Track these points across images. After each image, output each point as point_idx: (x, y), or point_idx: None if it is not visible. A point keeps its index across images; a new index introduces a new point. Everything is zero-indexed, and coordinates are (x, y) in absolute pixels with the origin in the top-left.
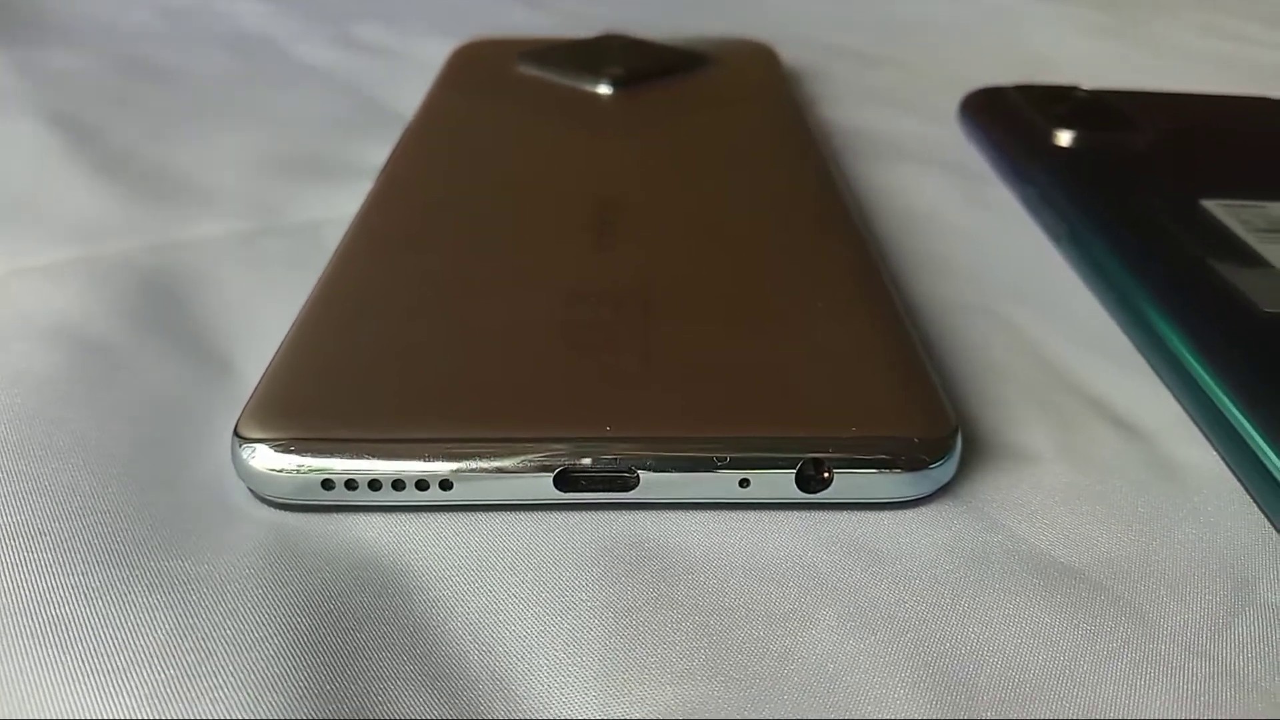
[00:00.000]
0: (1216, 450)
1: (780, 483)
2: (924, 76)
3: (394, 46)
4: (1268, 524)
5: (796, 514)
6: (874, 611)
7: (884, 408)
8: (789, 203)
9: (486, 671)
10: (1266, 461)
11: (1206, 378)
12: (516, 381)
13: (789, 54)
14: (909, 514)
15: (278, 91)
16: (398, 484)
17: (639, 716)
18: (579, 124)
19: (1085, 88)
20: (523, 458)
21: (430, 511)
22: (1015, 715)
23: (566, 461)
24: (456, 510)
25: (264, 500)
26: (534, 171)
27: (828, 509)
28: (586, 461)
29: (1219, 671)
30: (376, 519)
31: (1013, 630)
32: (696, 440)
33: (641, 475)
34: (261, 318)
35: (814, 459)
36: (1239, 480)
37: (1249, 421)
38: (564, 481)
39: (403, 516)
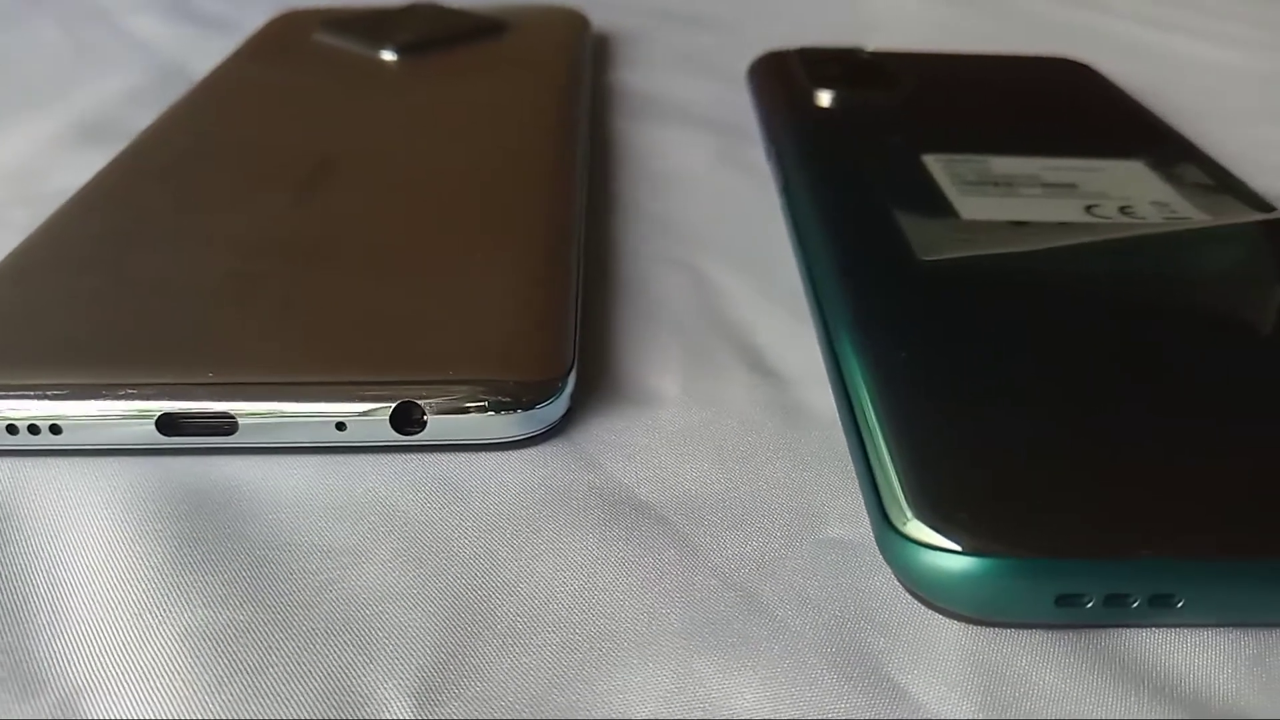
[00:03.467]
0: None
1: (376, 426)
2: (747, 40)
3: (230, 18)
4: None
5: (398, 456)
6: (432, 546)
7: (487, 352)
8: (505, 164)
9: (47, 606)
10: (855, 398)
11: (827, 318)
12: (139, 330)
13: (617, 19)
14: (511, 454)
15: (91, 67)
16: (11, 429)
17: (165, 636)
18: (346, 90)
19: (870, 50)
20: (125, 402)
21: (51, 456)
22: (524, 640)
23: (167, 406)
24: (75, 455)
25: None
26: (275, 135)
27: (430, 450)
28: (186, 406)
29: (744, 602)
30: (4, 464)
31: (555, 562)
32: (292, 385)
33: (240, 420)
34: None
35: (409, 402)
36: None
37: (852, 359)
38: (167, 426)
39: (26, 461)
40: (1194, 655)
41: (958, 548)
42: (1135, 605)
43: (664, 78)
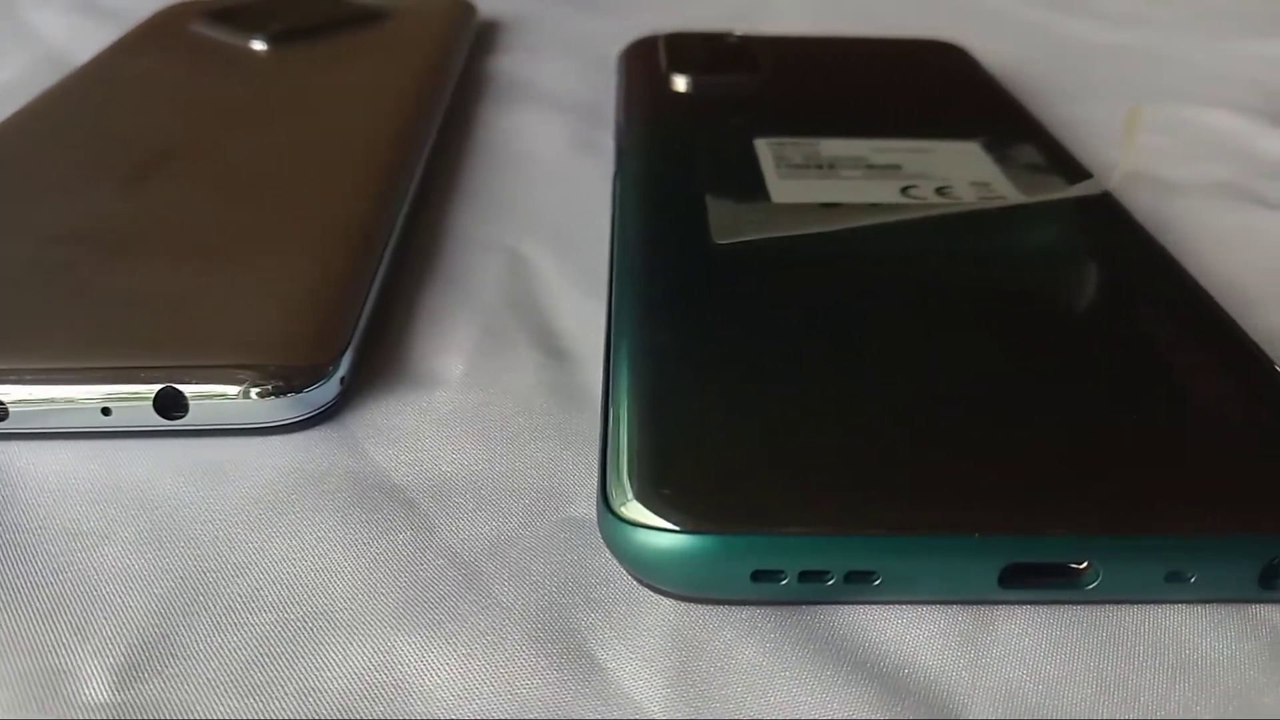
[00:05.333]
0: None
1: (140, 411)
2: (640, 26)
3: (137, 11)
4: None
5: (167, 441)
6: (176, 529)
7: (254, 336)
8: (335, 153)
9: None
10: (611, 379)
11: (612, 301)
12: None
13: (513, 6)
14: (277, 439)
15: None
16: None
17: None
18: (206, 80)
19: (739, 34)
20: None
21: None
22: (238, 620)
23: None
24: None
25: None
26: (122, 124)
27: (200, 435)
28: None
29: (465, 581)
30: None
31: (290, 545)
32: (57, 370)
33: (9, 406)
34: None
35: (170, 386)
36: None
37: (620, 341)
38: None
39: None
40: (903, 631)
41: (655, 524)
42: (832, 582)
43: (543, 63)
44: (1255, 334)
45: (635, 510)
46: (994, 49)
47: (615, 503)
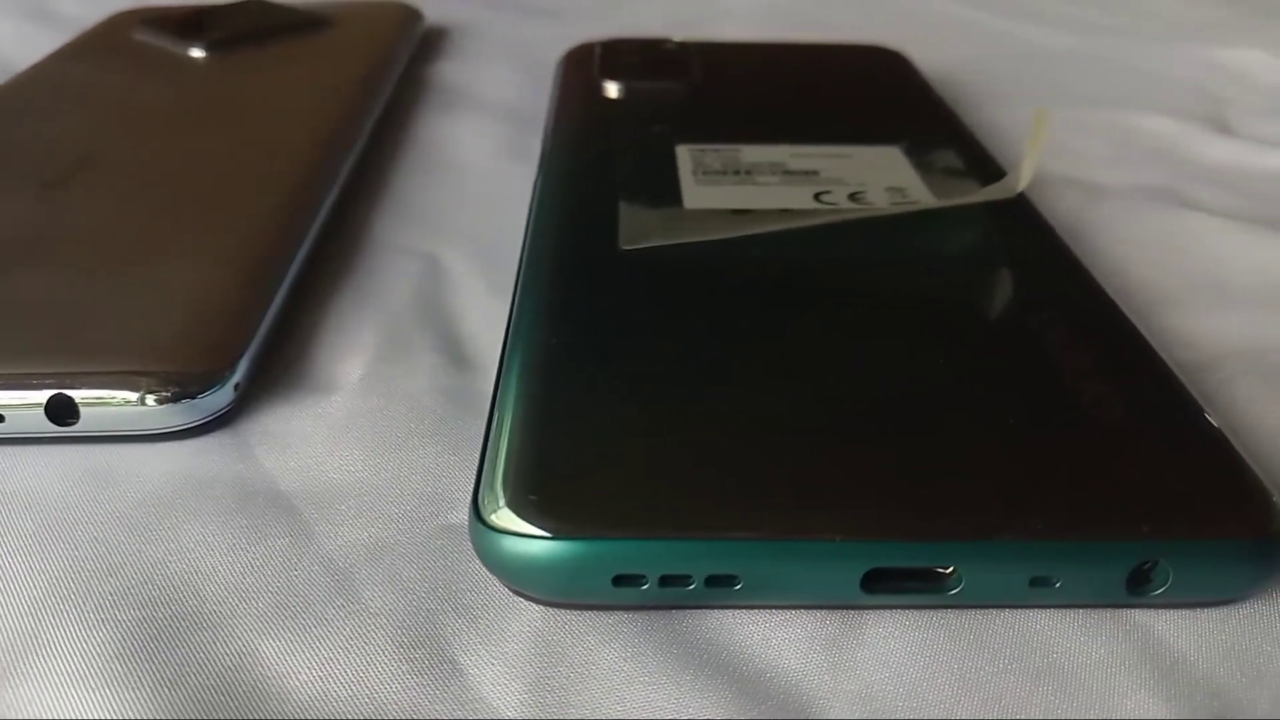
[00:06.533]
0: None
1: (32, 418)
2: (589, 33)
3: (86, 19)
4: None
5: (62, 447)
6: (58, 533)
7: (148, 343)
8: (255, 159)
9: None
10: (498, 387)
11: (513, 306)
12: None
13: (465, 13)
14: (170, 445)
15: None
16: None
17: None
18: (139, 87)
19: (677, 41)
20: None
21: None
22: (106, 618)
23: None
24: None
25: None
26: (48, 131)
27: (97, 441)
28: None
29: (336, 587)
30: None
31: (168, 548)
32: None
33: None
34: None
35: (62, 393)
36: None
37: (513, 347)
38: None
39: None
40: (769, 635)
41: (517, 530)
42: (693, 587)
43: (486, 70)
44: (1166, 335)
45: (501, 517)
46: (941, 53)
47: (485, 510)
